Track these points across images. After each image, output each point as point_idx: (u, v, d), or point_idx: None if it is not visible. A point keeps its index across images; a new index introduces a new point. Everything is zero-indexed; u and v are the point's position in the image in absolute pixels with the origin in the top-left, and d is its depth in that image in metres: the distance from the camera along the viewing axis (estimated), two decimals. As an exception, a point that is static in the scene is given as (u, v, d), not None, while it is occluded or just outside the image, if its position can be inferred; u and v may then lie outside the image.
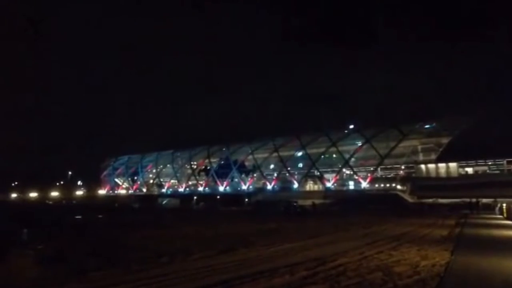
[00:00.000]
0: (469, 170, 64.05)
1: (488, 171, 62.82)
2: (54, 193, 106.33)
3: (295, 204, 48.64)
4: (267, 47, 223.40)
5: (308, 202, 52.01)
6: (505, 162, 60.38)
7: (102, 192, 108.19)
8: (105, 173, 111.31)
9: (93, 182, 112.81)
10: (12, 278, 7.79)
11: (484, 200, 42.92)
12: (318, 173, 71.88)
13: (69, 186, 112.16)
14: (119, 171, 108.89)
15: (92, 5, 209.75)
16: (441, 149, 65.02)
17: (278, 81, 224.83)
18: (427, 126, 66.79)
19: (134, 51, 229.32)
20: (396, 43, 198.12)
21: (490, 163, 62.78)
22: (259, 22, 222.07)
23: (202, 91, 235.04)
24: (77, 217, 32.24)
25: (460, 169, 63.22)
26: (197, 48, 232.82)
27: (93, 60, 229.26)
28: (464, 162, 62.82)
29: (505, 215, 32.19)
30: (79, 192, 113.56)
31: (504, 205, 35.06)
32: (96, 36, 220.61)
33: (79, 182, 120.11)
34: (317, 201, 56.82)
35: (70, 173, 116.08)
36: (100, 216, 33.93)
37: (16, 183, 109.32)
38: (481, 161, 62.98)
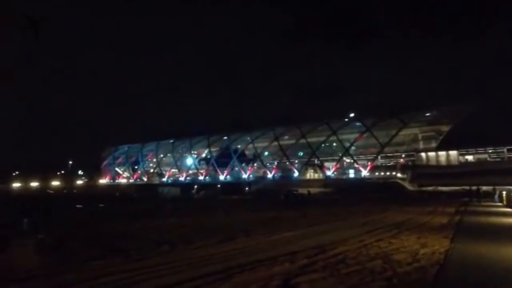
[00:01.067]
0: (470, 158, 64.18)
1: (488, 159, 62.91)
2: (55, 183, 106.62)
3: (295, 192, 48.82)
4: (268, 42, 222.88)
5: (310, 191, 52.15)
6: (505, 150, 60.45)
7: (103, 181, 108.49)
8: (105, 162, 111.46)
9: (93, 172, 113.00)
10: (12, 268, 7.82)
11: (484, 188, 42.99)
12: (318, 162, 71.96)
13: (70, 175, 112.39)
14: (119, 160, 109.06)
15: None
16: (441, 137, 65.05)
17: (279, 75, 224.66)
18: (427, 114, 66.64)
19: (135, 43, 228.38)
20: (394, 38, 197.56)
21: (490, 151, 62.87)
22: (261, 18, 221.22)
23: (204, 84, 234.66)
24: (78, 206, 32.37)
25: (461, 157, 63.34)
26: (200, 42, 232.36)
27: (93, 51, 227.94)
28: (464, 150, 62.90)
29: (504, 202, 32.26)
30: (80, 182, 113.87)
31: (504, 192, 35.13)
32: (98, 29, 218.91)
33: (80, 172, 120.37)
34: (316, 190, 57.05)
35: (70, 162, 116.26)
36: (101, 205, 34.08)
37: (17, 172, 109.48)
38: (481, 149, 63.05)
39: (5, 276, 7.01)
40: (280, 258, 8.10)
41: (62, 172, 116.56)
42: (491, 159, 62.55)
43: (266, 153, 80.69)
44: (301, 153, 76.90)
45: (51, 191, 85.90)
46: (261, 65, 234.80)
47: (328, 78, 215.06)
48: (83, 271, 7.21)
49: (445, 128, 65.19)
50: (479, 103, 60.69)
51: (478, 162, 61.33)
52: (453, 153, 62.53)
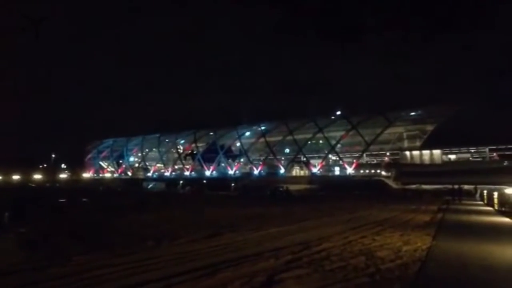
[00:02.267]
0: (453, 157, 65.31)
1: (471, 158, 64.14)
2: (38, 176, 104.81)
3: (281, 189, 49.00)
4: (254, 39, 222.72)
5: (296, 187, 52.49)
6: (487, 150, 61.70)
7: (86, 175, 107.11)
8: (89, 156, 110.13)
9: (77, 165, 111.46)
10: (-7, 262, 7.67)
11: (466, 187, 43.86)
12: (305, 159, 72.35)
13: (53, 169, 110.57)
14: (104, 154, 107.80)
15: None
16: (425, 136, 66.01)
17: (266, 71, 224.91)
18: (412, 114, 67.56)
19: (119, 39, 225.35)
20: (383, 36, 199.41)
21: (473, 150, 64.11)
22: (249, 14, 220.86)
23: (189, 78, 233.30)
24: (61, 200, 31.88)
25: (444, 156, 64.39)
26: (186, 37, 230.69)
27: (78, 46, 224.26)
28: (447, 149, 63.97)
29: (485, 201, 32.99)
30: (63, 175, 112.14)
31: (485, 191, 35.89)
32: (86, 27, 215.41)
33: (63, 165, 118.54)
34: (302, 187, 57.49)
35: (53, 156, 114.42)
36: (84, 199, 33.63)
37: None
38: (464, 149, 64.25)
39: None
40: (265, 254, 8.15)
41: (45, 165, 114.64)
42: (474, 159, 63.81)
43: (258, 151, 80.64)
44: (287, 150, 77.19)
45: (33, 185, 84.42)
46: (248, 61, 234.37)
47: (315, 75, 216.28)
48: (66, 266, 7.13)
49: (429, 128, 66.22)
50: (463, 104, 61.85)
51: (460, 162, 62.49)
52: (437, 152, 63.56)
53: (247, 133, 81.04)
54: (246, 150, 78.89)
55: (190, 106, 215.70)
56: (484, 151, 62.45)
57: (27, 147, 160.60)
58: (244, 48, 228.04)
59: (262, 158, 79.33)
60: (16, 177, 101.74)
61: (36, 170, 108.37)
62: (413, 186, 54.93)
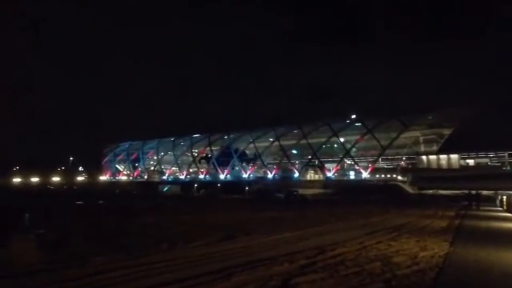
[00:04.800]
0: (471, 162, 64.06)
1: (489, 163, 62.83)
2: (56, 178, 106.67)
3: (295, 193, 48.85)
4: (268, 44, 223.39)
5: (310, 191, 52.24)
6: (506, 154, 60.36)
7: (103, 178, 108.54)
8: (106, 159, 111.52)
9: (94, 168, 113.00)
10: (13, 263, 7.84)
11: (485, 192, 42.97)
12: (319, 163, 71.93)
13: (71, 171, 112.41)
14: (120, 157, 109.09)
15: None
16: (442, 141, 64.98)
17: (279, 75, 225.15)
18: (429, 117, 66.58)
19: (135, 42, 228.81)
20: (395, 41, 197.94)
21: (491, 155, 62.78)
22: (261, 20, 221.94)
23: (205, 84, 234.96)
24: (78, 202, 32.40)
25: (462, 161, 63.20)
26: (201, 44, 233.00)
27: (93, 49, 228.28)
28: (465, 154, 62.77)
29: (505, 207, 32.25)
30: (80, 178, 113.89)
31: (505, 197, 35.10)
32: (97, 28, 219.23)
33: (80, 168, 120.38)
34: (316, 191, 57.29)
35: (71, 158, 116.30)
36: (101, 201, 34.12)
37: (17, 167, 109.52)
38: (482, 153, 62.96)
39: (5, 271, 7.02)
40: (280, 258, 8.11)
41: (63, 168, 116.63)
42: (492, 164, 62.48)
43: (272, 154, 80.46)
44: (295, 152, 76.50)
45: (52, 187, 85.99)
46: (261, 66, 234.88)
47: (329, 79, 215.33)
48: (84, 267, 7.24)
49: (446, 132, 65.16)
50: (481, 107, 60.65)
51: (479, 166, 61.24)
52: (454, 156, 62.44)
53: (262, 137, 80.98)
54: (260, 153, 78.85)
55: (204, 111, 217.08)
56: (504, 156, 61.09)
57: (45, 150, 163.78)
58: (257, 52, 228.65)
59: (276, 161, 79.17)
60: (35, 179, 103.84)
61: (54, 172, 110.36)
62: (430, 191, 54.10)
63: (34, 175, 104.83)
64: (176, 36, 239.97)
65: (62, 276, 6.53)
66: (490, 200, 41.22)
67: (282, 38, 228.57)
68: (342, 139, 70.16)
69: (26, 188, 79.40)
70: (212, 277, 6.42)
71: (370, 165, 66.68)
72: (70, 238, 10.92)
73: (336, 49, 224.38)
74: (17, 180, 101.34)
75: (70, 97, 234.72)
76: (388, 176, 66.52)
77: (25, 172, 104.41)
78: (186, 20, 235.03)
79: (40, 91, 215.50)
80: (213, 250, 9.20)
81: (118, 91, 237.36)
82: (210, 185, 75.71)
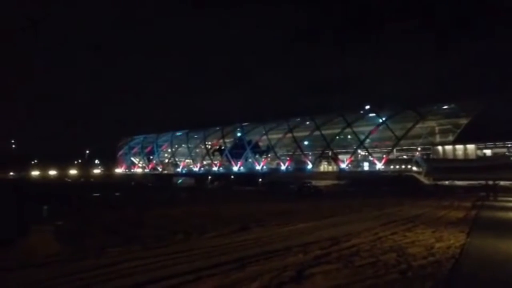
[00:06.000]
0: (488, 152, 62.83)
1: (507, 153, 61.55)
2: (73, 171, 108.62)
3: (308, 185, 48.71)
4: (282, 37, 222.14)
5: (324, 183, 52.06)
6: (525, 144, 59.02)
7: (118, 170, 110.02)
8: (121, 152, 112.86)
9: (110, 161, 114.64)
10: (32, 253, 8.04)
11: (502, 183, 42.11)
12: (333, 154, 71.50)
13: (87, 164, 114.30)
14: (135, 150, 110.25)
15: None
16: (458, 131, 63.80)
17: (293, 68, 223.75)
18: (444, 107, 65.40)
19: (153, 39, 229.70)
20: (411, 30, 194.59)
21: (509, 145, 61.43)
22: (275, 16, 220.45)
23: (219, 79, 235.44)
24: (95, 194, 32.95)
25: (478, 151, 62.03)
26: (215, 39, 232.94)
27: (108, 46, 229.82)
28: (482, 144, 61.55)
29: (523, 198, 31.61)
30: (97, 171, 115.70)
31: (523, 188, 34.38)
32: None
33: (96, 161, 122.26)
34: (329, 182, 57.07)
35: (87, 152, 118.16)
36: (117, 194, 34.63)
37: (36, 161, 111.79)
38: (499, 143, 61.66)
39: (25, 261, 7.20)
40: (294, 249, 8.13)
41: (79, 161, 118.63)
42: (510, 153, 61.19)
43: (285, 146, 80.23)
44: (308, 143, 76.19)
45: (69, 180, 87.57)
46: (275, 59, 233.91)
47: (343, 70, 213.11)
48: (101, 258, 7.38)
49: (463, 122, 63.90)
50: (497, 96, 59.30)
51: (496, 156, 60.04)
52: (471, 147, 61.25)
53: (275, 129, 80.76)
54: (274, 145, 78.74)
55: (218, 105, 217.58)
56: (522, 146, 59.78)
57: (62, 143, 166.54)
58: (269, 47, 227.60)
59: (289, 153, 78.98)
60: (52, 172, 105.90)
61: (71, 165, 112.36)
62: (446, 182, 53.34)
63: (52, 168, 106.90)
64: (191, 33, 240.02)
65: (80, 266, 6.66)
66: (508, 191, 40.39)
67: (295, 32, 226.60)
68: (356, 130, 69.48)
69: (44, 181, 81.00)
70: (227, 267, 6.47)
71: (384, 156, 65.99)
72: (88, 230, 11.13)
73: (348, 42, 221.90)
74: (35, 173, 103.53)
75: (86, 91, 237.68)
76: (403, 167, 65.74)
77: (43, 165, 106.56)
78: (197, 18, 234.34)
79: (57, 86, 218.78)
80: (228, 241, 9.26)
81: (134, 87, 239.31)
82: (223, 177, 76.03)
